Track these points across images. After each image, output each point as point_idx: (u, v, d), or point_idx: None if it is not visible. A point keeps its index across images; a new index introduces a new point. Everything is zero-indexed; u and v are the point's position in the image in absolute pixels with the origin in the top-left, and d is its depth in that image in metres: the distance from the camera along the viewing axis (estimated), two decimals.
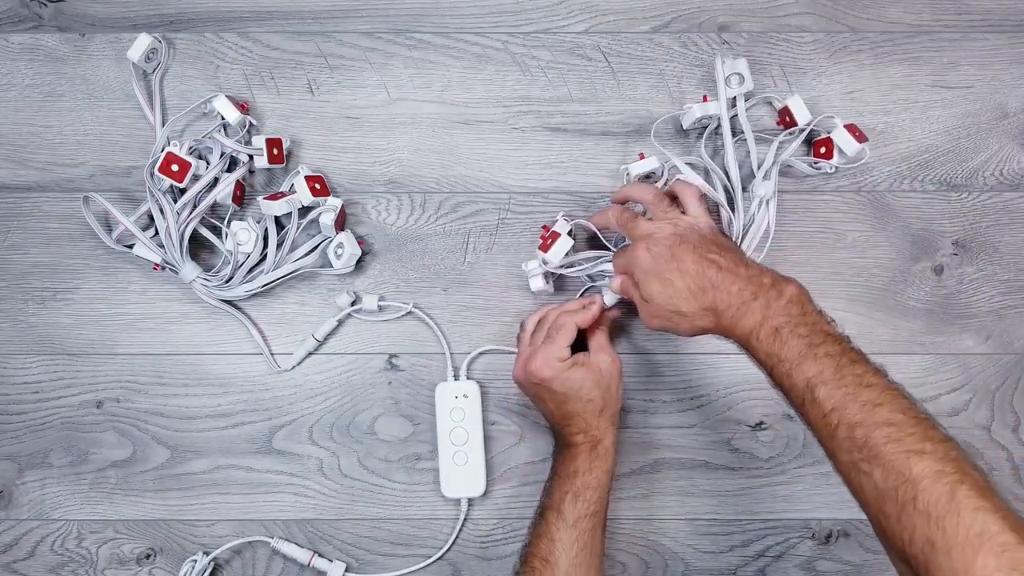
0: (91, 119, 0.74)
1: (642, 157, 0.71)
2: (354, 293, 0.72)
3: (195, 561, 0.70)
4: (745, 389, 0.72)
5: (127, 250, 0.71)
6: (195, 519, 0.72)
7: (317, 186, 0.70)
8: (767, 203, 0.70)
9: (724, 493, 0.72)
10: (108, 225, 0.72)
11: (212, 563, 0.71)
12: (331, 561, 0.71)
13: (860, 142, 0.70)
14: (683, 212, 0.64)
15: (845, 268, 0.73)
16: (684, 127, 0.73)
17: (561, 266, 0.70)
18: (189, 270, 0.70)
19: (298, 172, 0.71)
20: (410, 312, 0.72)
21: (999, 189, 0.73)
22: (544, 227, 0.71)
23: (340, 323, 0.72)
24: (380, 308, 0.72)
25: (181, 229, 0.69)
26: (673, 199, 0.66)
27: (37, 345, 0.73)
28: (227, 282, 0.70)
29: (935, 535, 0.45)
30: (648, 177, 0.72)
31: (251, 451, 0.72)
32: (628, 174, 0.71)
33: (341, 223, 0.71)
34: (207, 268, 0.71)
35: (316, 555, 0.70)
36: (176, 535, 0.72)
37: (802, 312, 0.55)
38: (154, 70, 0.74)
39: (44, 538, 0.72)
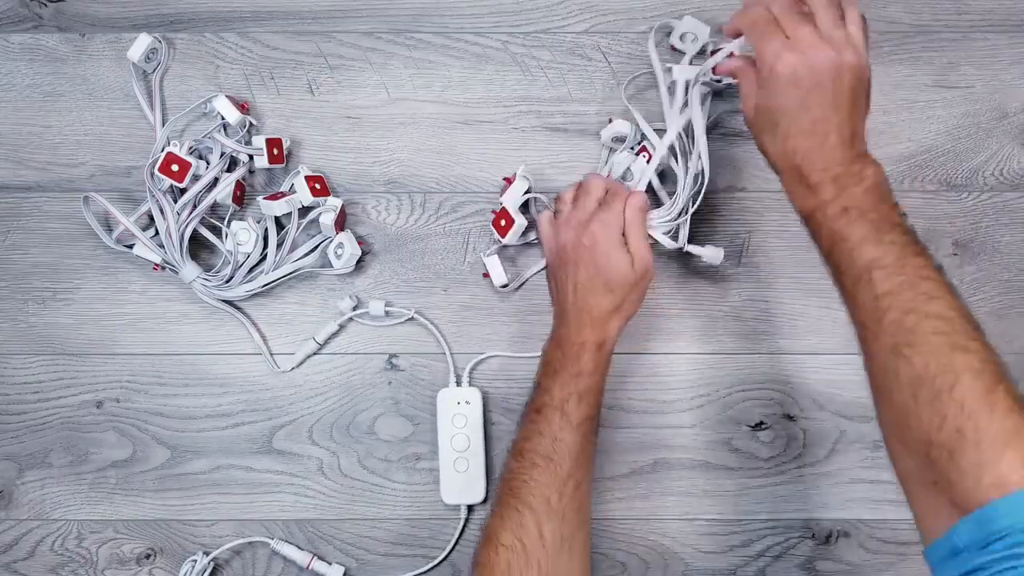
0: (91, 119, 0.74)
1: (612, 120, 0.71)
2: (356, 297, 0.72)
3: (195, 561, 0.70)
4: (745, 389, 0.72)
5: (127, 250, 0.71)
6: (195, 519, 0.72)
7: (317, 186, 0.70)
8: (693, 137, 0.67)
9: (724, 493, 0.72)
10: (108, 225, 0.72)
11: (212, 563, 0.71)
12: (330, 564, 0.70)
13: None
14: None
15: None
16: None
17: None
18: (189, 270, 0.70)
19: (298, 172, 0.71)
20: (412, 318, 0.72)
21: (999, 189, 0.73)
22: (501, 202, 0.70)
23: (341, 327, 0.72)
24: (387, 314, 0.72)
25: (181, 229, 0.69)
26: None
27: (37, 345, 0.73)
28: (227, 282, 0.70)
29: (966, 425, 0.46)
30: (623, 141, 0.72)
31: (251, 451, 0.72)
32: (601, 138, 0.72)
33: (341, 223, 0.71)
34: (207, 268, 0.71)
35: (316, 558, 0.70)
36: (176, 535, 0.72)
37: (877, 198, 0.54)
38: (154, 70, 0.74)
39: (44, 538, 0.72)
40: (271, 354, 0.72)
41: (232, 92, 0.73)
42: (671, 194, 0.69)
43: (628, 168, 0.70)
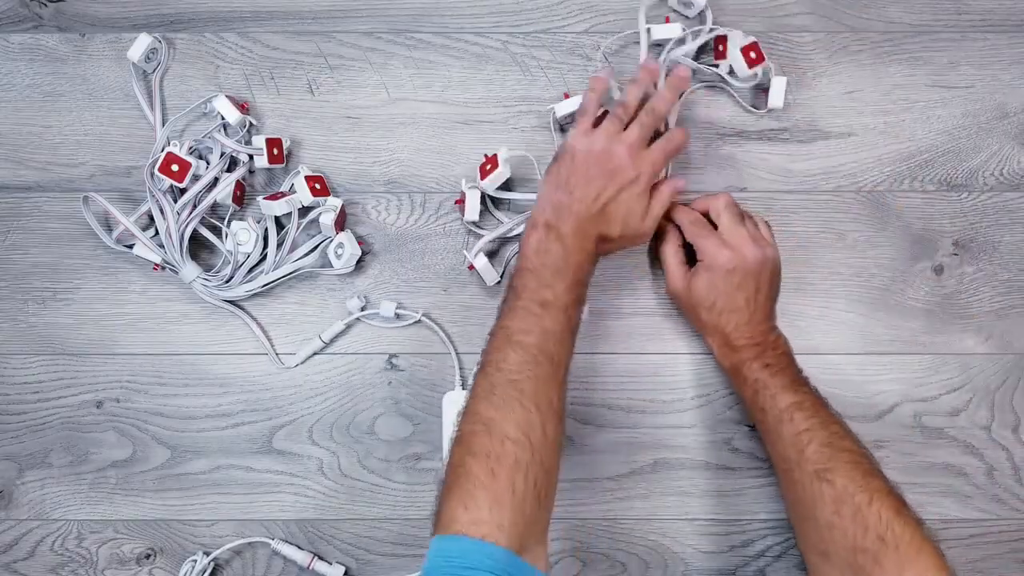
0: (91, 119, 0.74)
1: (567, 96, 0.71)
2: (364, 298, 0.72)
3: (195, 561, 0.70)
4: None
5: (127, 250, 0.71)
6: (195, 519, 0.72)
7: (317, 186, 0.70)
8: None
9: (724, 493, 0.72)
10: (108, 225, 0.72)
11: (212, 563, 0.71)
12: (331, 564, 0.70)
13: (751, 66, 0.70)
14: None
15: (845, 268, 0.73)
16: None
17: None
18: (189, 270, 0.70)
19: (298, 172, 0.71)
20: (419, 321, 0.72)
21: (999, 189, 0.73)
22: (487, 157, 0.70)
23: (348, 327, 0.72)
24: (398, 316, 0.72)
25: (181, 229, 0.69)
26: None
27: (37, 345, 0.73)
28: (227, 282, 0.70)
29: (886, 533, 0.56)
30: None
31: (251, 451, 0.72)
32: (555, 114, 0.71)
33: (341, 223, 0.71)
34: (207, 268, 0.71)
35: (316, 558, 0.70)
36: (176, 535, 0.72)
37: (789, 362, 0.66)
38: (154, 70, 0.74)
39: (44, 538, 0.72)
40: (275, 352, 0.72)
41: (232, 92, 0.73)
42: None
43: None
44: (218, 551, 0.70)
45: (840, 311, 0.72)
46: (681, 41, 0.71)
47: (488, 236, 0.71)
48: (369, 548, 0.72)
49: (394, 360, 0.73)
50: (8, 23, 0.74)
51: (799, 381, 0.65)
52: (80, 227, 0.73)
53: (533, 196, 0.70)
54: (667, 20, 0.72)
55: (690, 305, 0.68)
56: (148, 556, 0.72)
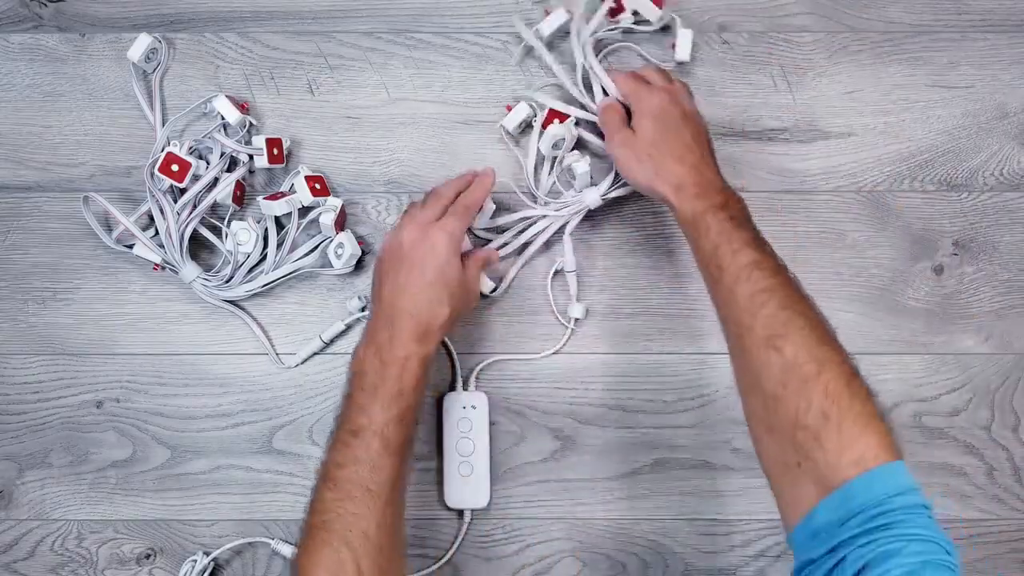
0: (91, 119, 0.74)
1: (509, 108, 0.71)
2: (365, 298, 0.72)
3: (195, 561, 0.70)
4: None
5: (127, 250, 0.71)
6: (195, 519, 0.72)
7: (317, 186, 0.70)
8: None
9: (724, 493, 0.72)
10: (108, 225, 0.72)
11: (212, 563, 0.70)
12: None
13: (659, 6, 0.72)
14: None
15: (845, 268, 0.73)
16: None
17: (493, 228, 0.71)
18: (189, 270, 0.70)
19: (298, 172, 0.71)
20: None
21: (999, 189, 0.73)
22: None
23: (349, 327, 0.72)
24: None
25: (181, 229, 0.69)
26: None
27: (37, 345, 0.73)
28: (227, 282, 0.70)
29: (830, 409, 0.50)
30: (527, 128, 0.72)
31: (251, 451, 0.72)
32: (504, 129, 0.72)
33: (341, 223, 0.71)
34: (207, 268, 0.71)
35: None
36: (176, 535, 0.72)
37: (750, 218, 0.61)
38: (154, 70, 0.74)
39: (44, 538, 0.72)
40: (275, 352, 0.72)
41: (232, 92, 0.73)
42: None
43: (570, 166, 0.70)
44: (218, 551, 0.70)
45: (840, 311, 0.72)
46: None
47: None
48: None
49: None
50: (8, 23, 0.74)
51: (761, 240, 0.60)
52: (80, 227, 0.73)
53: (520, 216, 0.71)
54: (547, 12, 0.72)
55: (637, 153, 0.64)
56: (148, 556, 0.72)
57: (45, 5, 0.75)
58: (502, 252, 0.71)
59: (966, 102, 0.74)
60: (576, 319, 0.72)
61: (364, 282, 0.73)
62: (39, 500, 0.72)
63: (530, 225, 0.71)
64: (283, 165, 0.72)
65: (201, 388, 0.72)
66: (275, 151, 0.71)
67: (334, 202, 0.70)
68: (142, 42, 0.71)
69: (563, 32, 0.72)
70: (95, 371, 0.72)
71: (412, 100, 0.74)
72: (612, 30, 0.73)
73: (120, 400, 0.72)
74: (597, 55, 0.72)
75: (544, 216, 0.70)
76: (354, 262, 0.71)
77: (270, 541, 0.70)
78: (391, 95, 0.74)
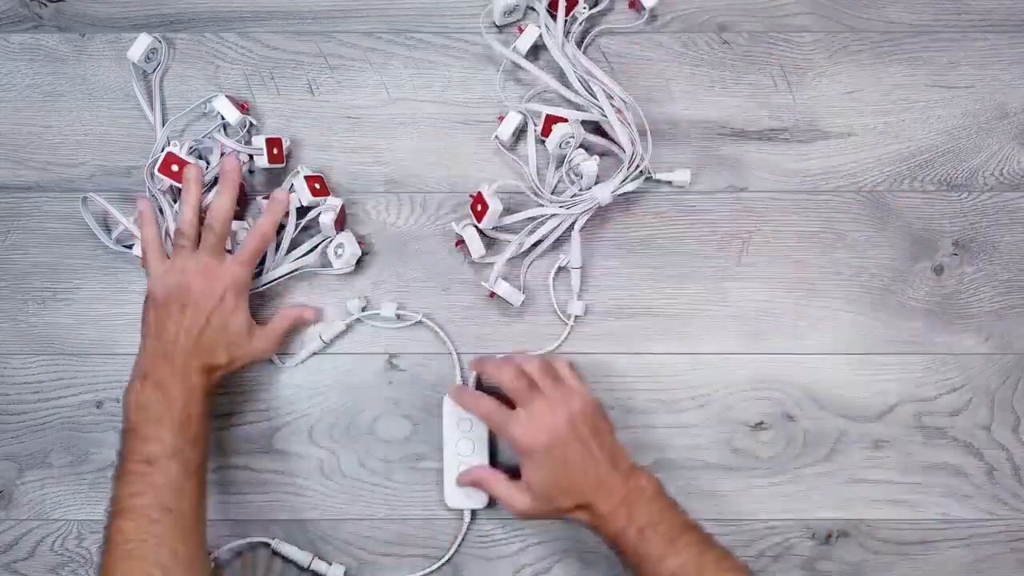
0: (91, 119, 0.74)
1: (501, 119, 0.71)
2: (365, 298, 0.72)
3: None
4: (745, 389, 0.72)
5: (127, 250, 0.71)
6: None
7: (317, 186, 0.70)
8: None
9: (724, 493, 0.72)
10: (107, 225, 0.72)
11: (212, 563, 0.70)
12: (330, 564, 0.70)
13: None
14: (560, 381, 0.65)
15: (845, 268, 0.73)
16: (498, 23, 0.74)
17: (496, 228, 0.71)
18: None
19: (298, 172, 0.71)
20: (420, 322, 0.72)
21: (999, 189, 0.73)
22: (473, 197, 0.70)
23: (349, 327, 0.72)
24: (398, 317, 0.72)
25: None
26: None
27: (37, 345, 0.73)
28: None
29: None
30: (521, 133, 0.72)
31: (251, 451, 0.72)
32: (499, 140, 0.71)
33: (341, 223, 0.71)
34: None
35: (316, 557, 0.70)
36: None
37: (662, 507, 0.61)
38: (154, 70, 0.74)
39: (44, 538, 0.72)
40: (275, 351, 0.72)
41: (232, 92, 0.73)
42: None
43: (578, 164, 0.70)
44: (218, 551, 0.70)
45: (840, 311, 0.72)
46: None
47: (501, 260, 0.70)
48: (369, 548, 0.72)
49: (394, 360, 0.73)
50: (8, 23, 0.74)
51: (677, 531, 0.60)
52: (80, 227, 0.73)
53: (528, 215, 0.70)
54: (520, 29, 0.72)
55: (545, 504, 0.63)
56: None
57: (45, 5, 0.75)
58: (511, 253, 0.70)
59: (966, 102, 0.74)
60: (576, 316, 0.72)
61: (363, 282, 0.73)
62: (39, 500, 0.72)
63: (540, 224, 0.71)
64: (283, 165, 0.72)
65: None
66: (275, 151, 0.71)
67: (334, 202, 0.70)
68: (142, 42, 0.71)
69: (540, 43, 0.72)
70: (95, 371, 0.72)
71: (412, 100, 0.74)
72: (580, 24, 0.73)
73: (120, 400, 0.72)
74: (582, 50, 0.72)
75: (554, 215, 0.70)
76: (354, 261, 0.71)
77: (271, 541, 0.70)
78: (391, 95, 0.74)
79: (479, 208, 0.69)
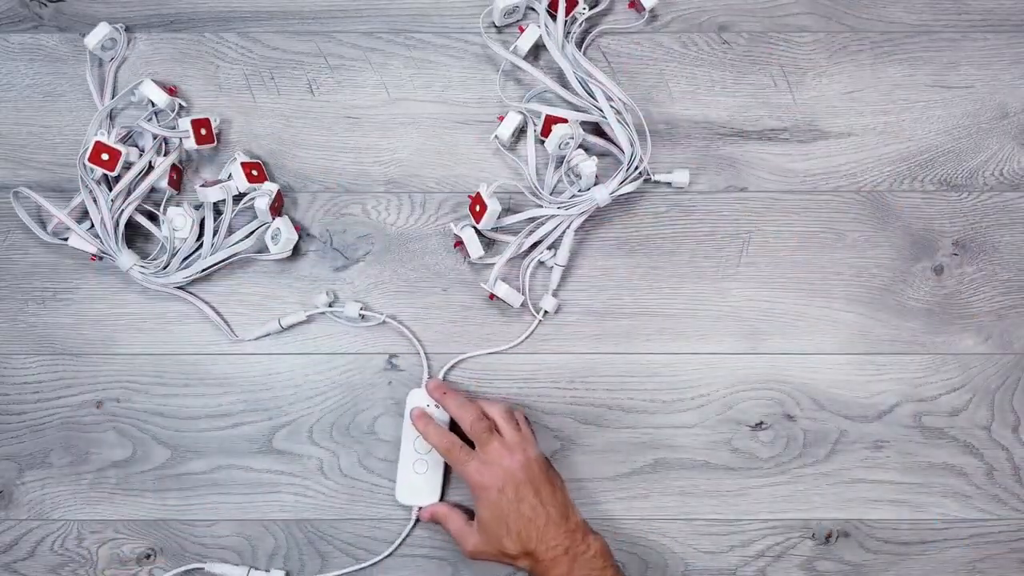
0: (91, 119, 0.74)
1: (501, 119, 0.71)
2: (334, 294, 0.72)
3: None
4: (745, 389, 0.72)
5: (63, 243, 0.71)
6: (195, 519, 0.72)
7: (254, 172, 0.70)
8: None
9: (724, 493, 0.72)
10: (43, 219, 0.71)
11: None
12: (268, 571, 0.71)
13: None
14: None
15: (845, 268, 0.73)
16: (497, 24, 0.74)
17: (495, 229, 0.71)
18: (125, 258, 0.69)
19: (234, 159, 0.71)
20: (384, 322, 0.72)
21: (999, 189, 0.73)
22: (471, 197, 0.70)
23: (309, 319, 0.72)
24: (362, 317, 0.71)
25: (115, 217, 0.69)
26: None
27: (37, 345, 0.73)
28: (164, 269, 0.70)
29: None
30: (521, 133, 0.72)
31: (251, 451, 0.72)
32: (499, 140, 0.71)
33: (278, 208, 0.71)
34: (147, 256, 0.71)
35: (252, 568, 0.71)
36: (176, 535, 0.72)
37: (604, 567, 0.64)
38: (111, 60, 0.73)
39: (44, 538, 0.72)
40: (229, 327, 0.72)
41: (232, 92, 0.73)
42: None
43: (577, 165, 0.70)
44: None
45: (840, 311, 0.73)
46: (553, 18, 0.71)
47: (501, 261, 0.70)
48: (369, 548, 0.72)
49: (394, 360, 0.73)
50: (8, 23, 0.74)
51: None
52: None
53: (527, 215, 0.70)
54: (521, 29, 0.72)
55: (493, 545, 0.65)
56: (148, 556, 0.72)
57: (45, 5, 0.75)
58: (511, 254, 0.70)
59: (966, 102, 0.74)
60: (545, 311, 0.72)
61: (363, 282, 0.73)
62: (39, 500, 0.72)
63: (539, 225, 0.71)
64: (214, 144, 0.71)
65: (201, 388, 0.72)
66: (203, 131, 0.70)
67: (269, 187, 0.70)
68: (100, 30, 0.71)
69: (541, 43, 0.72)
70: (95, 371, 0.72)
71: (412, 100, 0.74)
72: (580, 24, 0.73)
73: (120, 400, 0.72)
74: (582, 51, 0.72)
75: (553, 216, 0.70)
76: (290, 247, 0.70)
77: (202, 565, 0.71)
78: (391, 95, 0.74)
79: (477, 209, 0.69)
